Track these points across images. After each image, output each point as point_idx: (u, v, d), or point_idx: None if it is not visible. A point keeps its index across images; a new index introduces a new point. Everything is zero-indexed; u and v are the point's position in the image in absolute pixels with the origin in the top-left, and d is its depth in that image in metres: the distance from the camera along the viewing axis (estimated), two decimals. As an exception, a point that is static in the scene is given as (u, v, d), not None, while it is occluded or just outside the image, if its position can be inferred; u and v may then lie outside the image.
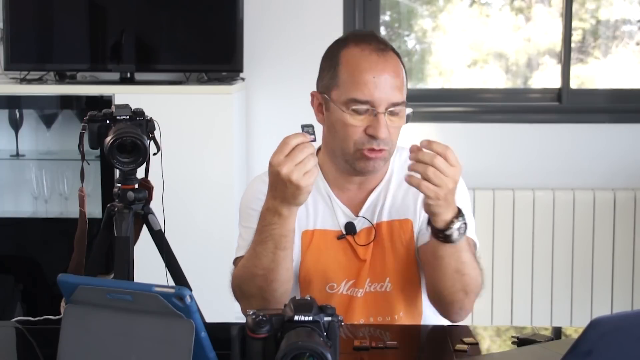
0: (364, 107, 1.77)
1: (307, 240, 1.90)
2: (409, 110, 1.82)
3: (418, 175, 1.63)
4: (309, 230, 1.90)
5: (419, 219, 1.90)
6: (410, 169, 1.65)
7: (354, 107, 1.78)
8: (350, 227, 1.89)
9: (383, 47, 1.82)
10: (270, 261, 1.71)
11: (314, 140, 1.64)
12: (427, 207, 1.65)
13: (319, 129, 1.83)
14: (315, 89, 1.89)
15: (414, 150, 1.64)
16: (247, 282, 1.76)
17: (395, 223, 1.91)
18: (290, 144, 1.61)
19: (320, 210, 1.90)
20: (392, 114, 1.79)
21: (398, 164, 1.94)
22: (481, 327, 1.80)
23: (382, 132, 1.77)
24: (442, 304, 1.82)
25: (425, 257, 1.84)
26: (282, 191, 1.63)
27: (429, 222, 1.71)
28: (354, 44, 1.83)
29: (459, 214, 1.68)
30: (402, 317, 1.91)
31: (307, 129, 1.64)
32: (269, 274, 1.72)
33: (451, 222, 1.67)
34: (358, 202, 1.91)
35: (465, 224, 1.69)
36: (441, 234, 1.68)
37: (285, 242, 1.70)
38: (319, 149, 1.93)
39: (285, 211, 1.66)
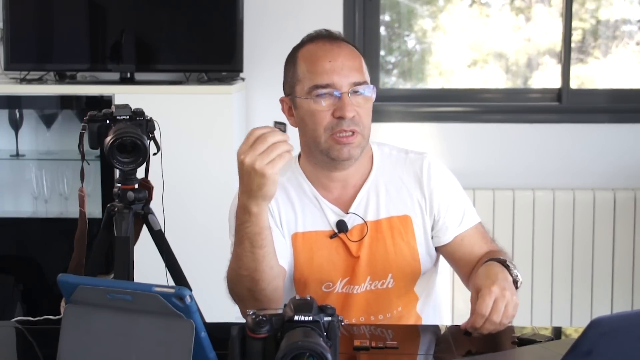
0: (327, 90, 1.81)
1: (298, 243, 1.90)
2: (371, 87, 1.85)
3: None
4: (299, 233, 1.91)
5: (423, 215, 1.93)
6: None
7: (316, 92, 1.81)
8: (342, 225, 1.90)
9: (336, 37, 1.90)
10: (251, 261, 1.71)
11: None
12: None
13: (295, 134, 1.85)
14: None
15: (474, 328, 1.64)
16: (236, 285, 1.77)
17: (394, 219, 1.92)
18: (254, 135, 1.60)
19: (308, 212, 1.91)
20: (355, 93, 1.82)
21: (381, 159, 1.96)
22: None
23: (348, 110, 1.80)
24: None
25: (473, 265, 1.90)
26: (248, 183, 1.62)
27: None
28: (309, 42, 1.90)
29: (510, 269, 1.73)
30: (401, 311, 1.93)
31: (279, 125, 1.63)
32: (253, 274, 1.72)
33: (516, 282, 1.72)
34: (346, 199, 1.92)
35: (517, 274, 1.74)
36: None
37: (260, 240, 1.69)
38: (299, 156, 1.97)
39: (254, 208, 1.65)
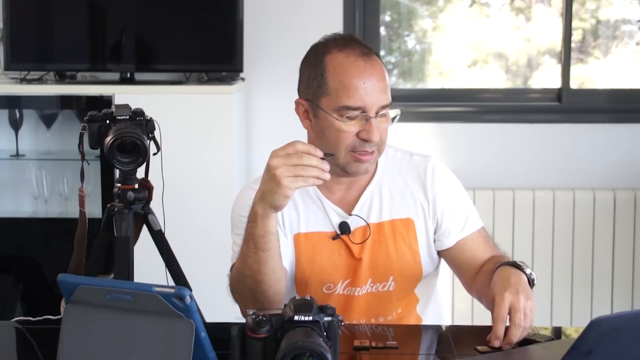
0: (356, 112, 1.79)
1: (300, 244, 1.90)
2: (396, 112, 1.84)
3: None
4: (301, 234, 1.90)
5: (426, 218, 1.92)
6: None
7: (347, 114, 1.78)
8: (344, 227, 1.89)
9: (367, 51, 1.84)
10: (254, 262, 1.71)
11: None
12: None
13: (304, 135, 1.84)
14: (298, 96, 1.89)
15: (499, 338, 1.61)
16: (239, 284, 1.77)
17: (397, 222, 1.91)
18: (296, 147, 1.62)
19: (311, 213, 1.91)
20: (381, 115, 1.81)
21: (385, 161, 1.95)
22: (482, 326, 1.80)
23: (375, 135, 1.79)
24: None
25: (483, 269, 1.88)
26: (264, 184, 1.64)
27: None
28: (337, 49, 1.83)
29: (522, 269, 1.71)
30: (400, 313, 1.93)
31: (328, 157, 1.65)
32: (256, 275, 1.72)
33: (530, 282, 1.70)
34: (350, 201, 1.92)
35: (531, 272, 1.72)
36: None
37: (264, 243, 1.69)
38: None
39: (260, 209, 1.66)
